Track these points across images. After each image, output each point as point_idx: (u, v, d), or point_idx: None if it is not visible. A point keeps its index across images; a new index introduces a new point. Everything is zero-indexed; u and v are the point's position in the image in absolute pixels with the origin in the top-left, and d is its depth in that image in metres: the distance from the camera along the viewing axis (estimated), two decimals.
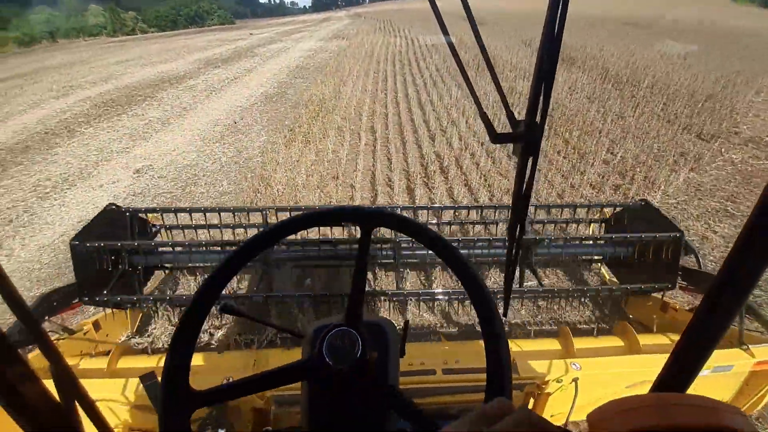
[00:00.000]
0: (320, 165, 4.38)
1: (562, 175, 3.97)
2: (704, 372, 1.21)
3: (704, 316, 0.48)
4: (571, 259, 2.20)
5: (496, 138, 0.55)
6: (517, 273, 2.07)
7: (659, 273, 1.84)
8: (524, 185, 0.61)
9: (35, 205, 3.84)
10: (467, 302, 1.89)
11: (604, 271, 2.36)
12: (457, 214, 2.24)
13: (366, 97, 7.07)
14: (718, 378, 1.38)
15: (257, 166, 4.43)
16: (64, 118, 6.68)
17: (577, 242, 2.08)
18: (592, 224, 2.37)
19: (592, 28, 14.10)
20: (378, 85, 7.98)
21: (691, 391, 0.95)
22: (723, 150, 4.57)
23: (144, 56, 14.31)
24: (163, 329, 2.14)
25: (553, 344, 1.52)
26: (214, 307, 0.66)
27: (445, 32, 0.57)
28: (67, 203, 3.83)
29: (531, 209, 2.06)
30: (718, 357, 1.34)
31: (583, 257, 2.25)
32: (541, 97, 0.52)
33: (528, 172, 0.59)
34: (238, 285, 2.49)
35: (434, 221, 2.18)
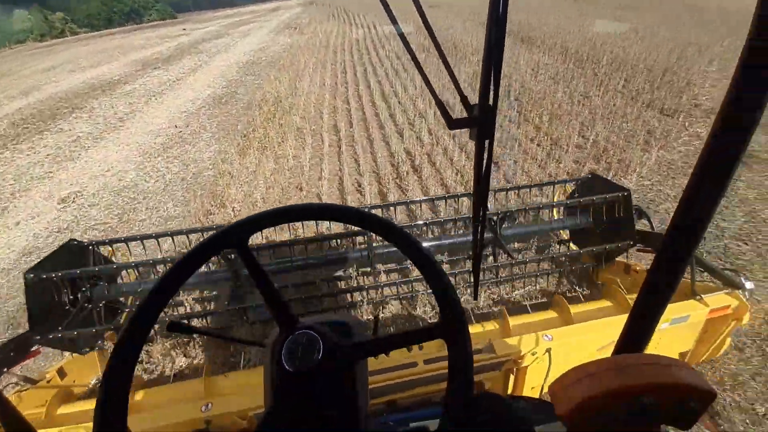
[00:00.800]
0: (281, 174, 3.95)
1: (539, 165, 3.80)
2: (664, 325, 1.39)
3: (656, 274, 0.51)
4: (538, 234, 2.32)
5: (452, 124, 0.55)
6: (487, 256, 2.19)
7: (618, 234, 1.95)
8: (483, 168, 0.61)
9: None
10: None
11: (571, 244, 2.41)
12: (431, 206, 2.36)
13: (325, 92, 6.61)
14: (678, 329, 1.46)
15: (208, 181, 3.93)
16: None
17: (541, 217, 2.18)
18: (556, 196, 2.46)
19: (543, 6, 14.17)
20: (337, 78, 7.51)
21: (654, 344, 1.13)
22: (687, 124, 4.58)
23: (72, 60, 12.85)
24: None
25: (526, 319, 1.57)
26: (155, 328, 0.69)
27: (393, 21, 0.55)
28: None
29: (502, 194, 2.11)
30: (675, 309, 1.42)
31: (549, 230, 2.34)
32: (492, 80, 0.51)
33: (486, 154, 0.59)
34: (207, 302, 2.28)
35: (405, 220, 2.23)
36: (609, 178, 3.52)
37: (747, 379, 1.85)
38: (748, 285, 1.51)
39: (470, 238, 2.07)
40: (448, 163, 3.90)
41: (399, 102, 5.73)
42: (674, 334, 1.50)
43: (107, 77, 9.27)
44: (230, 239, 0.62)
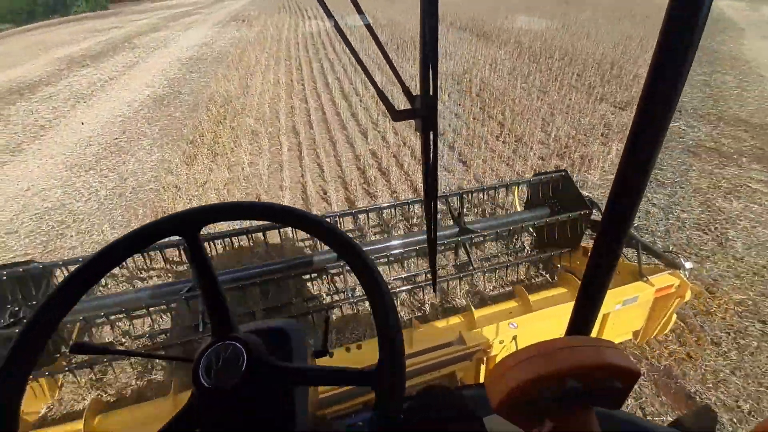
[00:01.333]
0: (236, 184, 3.59)
1: (507, 164, 3.76)
2: (617, 306, 1.52)
3: (596, 259, 0.56)
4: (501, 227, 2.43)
5: (396, 116, 0.57)
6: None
7: (568, 235, 2.14)
8: (430, 160, 0.62)
9: None
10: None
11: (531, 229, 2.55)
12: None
13: (280, 90, 6.20)
14: (630, 309, 1.58)
15: (150, 197, 3.48)
16: None
17: (505, 220, 2.30)
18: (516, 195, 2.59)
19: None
20: (293, 74, 7.09)
21: (610, 324, 1.61)
22: None
23: None
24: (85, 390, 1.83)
25: (494, 309, 1.64)
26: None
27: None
28: None
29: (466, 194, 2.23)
30: (625, 291, 1.55)
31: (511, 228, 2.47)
32: (430, 72, 0.52)
33: (432, 145, 0.60)
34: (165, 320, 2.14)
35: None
36: (574, 173, 3.59)
37: (728, 375, 1.87)
38: (688, 265, 1.65)
39: (442, 233, 2.18)
40: (416, 165, 3.75)
41: (361, 100, 5.49)
42: (627, 314, 1.63)
43: (26, 79, 8.10)
44: (182, 225, 0.58)
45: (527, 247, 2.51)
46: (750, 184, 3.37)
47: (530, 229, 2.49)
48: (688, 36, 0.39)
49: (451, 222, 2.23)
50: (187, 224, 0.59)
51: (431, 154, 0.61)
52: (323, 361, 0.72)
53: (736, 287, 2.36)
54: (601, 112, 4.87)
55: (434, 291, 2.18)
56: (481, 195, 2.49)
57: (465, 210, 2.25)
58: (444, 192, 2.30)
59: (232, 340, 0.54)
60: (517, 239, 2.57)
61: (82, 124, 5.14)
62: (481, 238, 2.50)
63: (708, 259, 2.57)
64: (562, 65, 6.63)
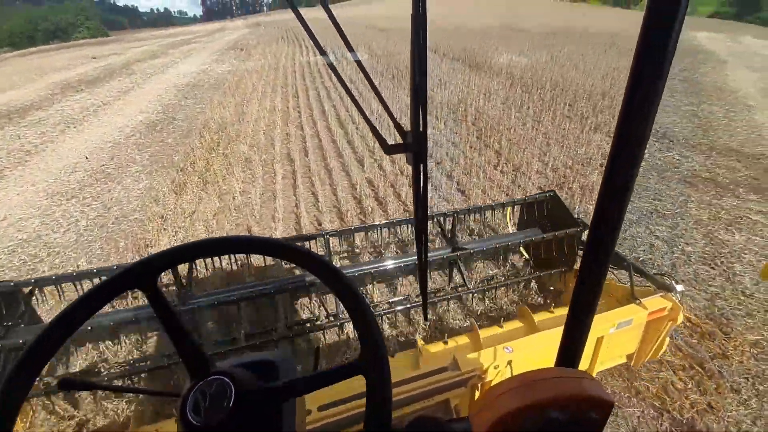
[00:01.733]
0: (226, 214, 3.45)
1: (506, 194, 3.70)
2: (611, 330, 1.51)
3: (581, 281, 0.55)
4: (495, 251, 2.45)
5: (389, 150, 0.61)
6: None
7: (562, 256, 2.14)
8: (420, 192, 0.65)
9: None
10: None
11: (522, 250, 2.56)
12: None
13: (276, 117, 6.19)
14: (624, 333, 1.56)
15: (134, 228, 3.31)
16: None
17: (497, 240, 2.26)
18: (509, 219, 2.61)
19: (479, 36, 15.08)
20: (289, 102, 7.13)
21: (604, 348, 1.62)
22: None
23: None
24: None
25: (488, 332, 1.57)
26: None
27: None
28: None
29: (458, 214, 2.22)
30: (619, 314, 1.53)
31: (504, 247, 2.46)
32: (420, 109, 0.56)
33: (422, 178, 0.63)
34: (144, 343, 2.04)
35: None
36: (575, 205, 3.54)
37: (750, 426, 1.73)
38: (679, 287, 1.64)
39: (435, 254, 2.15)
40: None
41: (357, 128, 5.49)
42: (621, 338, 1.61)
43: (16, 103, 8.03)
44: (137, 279, 0.56)
45: (520, 268, 2.49)
46: (750, 216, 3.34)
47: (522, 249, 2.49)
48: (665, 40, 0.40)
49: (443, 242, 2.19)
50: (143, 275, 0.56)
51: (422, 185, 0.64)
52: None
53: (749, 326, 2.25)
54: (597, 141, 4.90)
55: (425, 318, 2.14)
56: (472, 216, 2.53)
57: (457, 230, 2.24)
58: (436, 212, 2.28)
59: (215, 375, 0.53)
60: (509, 260, 2.56)
61: (86, 158, 4.92)
62: (474, 259, 2.51)
63: (718, 296, 2.47)
64: (553, 96, 6.77)
